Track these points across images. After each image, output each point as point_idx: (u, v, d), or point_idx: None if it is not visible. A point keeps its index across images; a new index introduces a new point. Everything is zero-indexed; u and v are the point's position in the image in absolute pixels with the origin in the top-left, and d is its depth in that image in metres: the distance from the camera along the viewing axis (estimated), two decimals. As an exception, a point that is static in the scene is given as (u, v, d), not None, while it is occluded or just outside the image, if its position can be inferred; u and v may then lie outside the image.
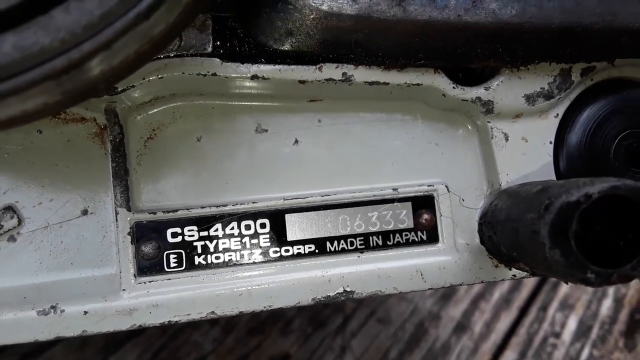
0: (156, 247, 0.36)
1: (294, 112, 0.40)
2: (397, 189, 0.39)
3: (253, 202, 0.37)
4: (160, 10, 0.23)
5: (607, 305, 0.90)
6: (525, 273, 0.38)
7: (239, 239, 0.37)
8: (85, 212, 0.36)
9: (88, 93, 0.24)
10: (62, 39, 0.22)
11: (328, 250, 0.38)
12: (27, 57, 0.21)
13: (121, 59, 0.23)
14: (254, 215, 0.37)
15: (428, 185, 0.40)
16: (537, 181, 0.37)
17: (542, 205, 0.28)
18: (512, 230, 0.32)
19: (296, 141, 0.40)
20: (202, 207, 0.37)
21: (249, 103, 0.39)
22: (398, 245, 0.39)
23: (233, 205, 0.37)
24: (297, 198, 0.38)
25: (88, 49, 0.22)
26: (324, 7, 0.33)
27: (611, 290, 0.91)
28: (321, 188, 0.39)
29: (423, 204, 0.39)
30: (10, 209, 0.35)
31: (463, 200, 0.40)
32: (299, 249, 0.38)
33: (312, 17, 0.33)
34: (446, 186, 0.40)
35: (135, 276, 0.36)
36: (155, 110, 0.38)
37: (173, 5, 0.23)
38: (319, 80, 0.36)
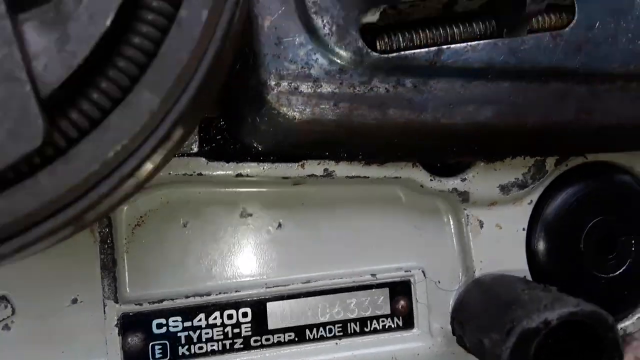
0: (142, 338, 0.37)
1: (279, 196, 0.41)
2: (375, 275, 0.41)
3: (236, 291, 0.39)
4: (147, 164, 0.24)
5: None
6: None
7: (221, 329, 0.38)
8: (75, 301, 0.38)
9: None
10: (50, 201, 0.23)
11: (307, 337, 0.39)
12: (17, 221, 0.23)
13: (106, 209, 0.25)
14: (237, 305, 0.39)
15: (405, 271, 0.41)
16: (507, 279, 0.39)
17: (504, 328, 0.30)
18: (478, 343, 0.33)
19: (280, 225, 0.41)
20: (187, 297, 0.38)
21: (234, 189, 0.40)
22: (375, 331, 0.40)
23: (216, 294, 0.39)
24: (278, 285, 0.40)
25: (72, 214, 0.23)
26: (307, 112, 0.34)
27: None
28: (303, 273, 0.41)
29: (400, 289, 0.41)
30: (4, 298, 0.37)
31: (439, 282, 0.42)
32: (279, 337, 0.39)
33: (295, 122, 0.34)
34: (423, 271, 0.41)
35: (122, 365, 0.37)
36: (143, 197, 0.39)
37: (157, 160, 0.25)
38: (302, 176, 0.38)
